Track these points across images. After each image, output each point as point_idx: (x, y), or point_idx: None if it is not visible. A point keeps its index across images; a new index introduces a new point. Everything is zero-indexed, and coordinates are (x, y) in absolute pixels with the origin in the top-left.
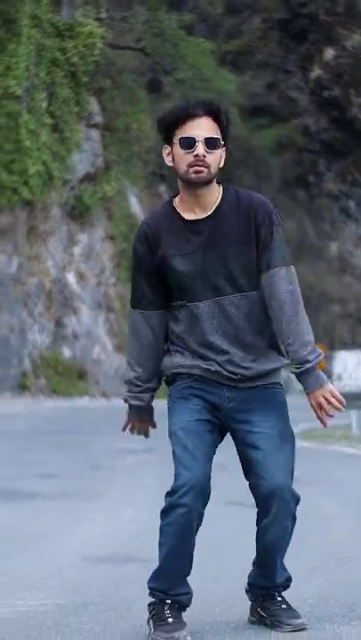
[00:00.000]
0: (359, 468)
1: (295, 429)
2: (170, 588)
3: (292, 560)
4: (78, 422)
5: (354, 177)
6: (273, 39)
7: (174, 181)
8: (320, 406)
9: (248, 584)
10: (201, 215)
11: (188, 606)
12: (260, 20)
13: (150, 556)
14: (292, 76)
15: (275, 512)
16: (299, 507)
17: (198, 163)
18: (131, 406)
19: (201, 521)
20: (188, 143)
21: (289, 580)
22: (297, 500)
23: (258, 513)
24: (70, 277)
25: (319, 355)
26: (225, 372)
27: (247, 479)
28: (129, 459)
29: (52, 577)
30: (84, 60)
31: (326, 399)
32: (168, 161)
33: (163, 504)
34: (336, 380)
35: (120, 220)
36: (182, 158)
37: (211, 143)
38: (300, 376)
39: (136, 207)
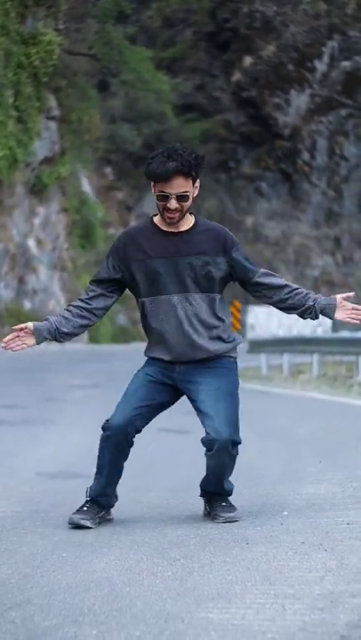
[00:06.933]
0: (266, 401)
1: None
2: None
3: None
4: (37, 363)
5: (266, 163)
6: (201, 48)
7: (119, 165)
8: None
9: (200, 487)
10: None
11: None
12: (191, 33)
13: (92, 474)
14: (216, 79)
15: (215, 452)
16: None
17: (169, 214)
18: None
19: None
20: (162, 198)
21: (231, 490)
22: (236, 443)
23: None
24: (31, 243)
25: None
26: None
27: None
28: (78, 393)
29: (12, 489)
30: (45, 64)
31: None
32: (153, 192)
33: None
34: (250, 330)
35: (72, 197)
36: (159, 204)
37: (182, 198)
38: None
39: (86, 186)
